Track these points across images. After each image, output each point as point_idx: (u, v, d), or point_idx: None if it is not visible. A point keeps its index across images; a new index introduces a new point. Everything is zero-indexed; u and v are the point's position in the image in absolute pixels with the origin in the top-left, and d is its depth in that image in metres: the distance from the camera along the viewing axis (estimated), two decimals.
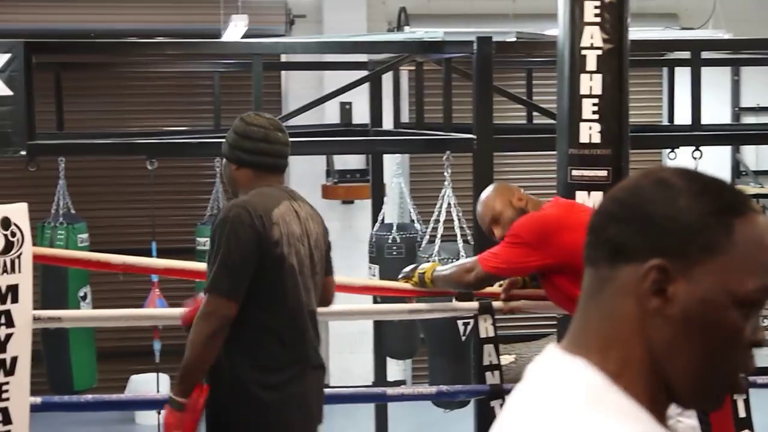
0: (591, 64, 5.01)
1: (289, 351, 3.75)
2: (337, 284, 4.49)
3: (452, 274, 4.61)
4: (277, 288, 3.73)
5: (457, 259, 6.72)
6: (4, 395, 4.06)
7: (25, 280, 4.14)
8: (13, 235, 4.11)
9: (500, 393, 4.65)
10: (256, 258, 3.67)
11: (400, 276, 4.92)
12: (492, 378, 4.68)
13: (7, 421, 4.09)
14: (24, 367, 4.14)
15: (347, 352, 9.91)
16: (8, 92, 5.78)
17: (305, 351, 3.80)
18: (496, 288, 4.79)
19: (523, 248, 4.33)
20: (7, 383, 4.07)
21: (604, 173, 5.01)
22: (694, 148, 6.66)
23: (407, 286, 4.84)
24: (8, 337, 4.08)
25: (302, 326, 3.78)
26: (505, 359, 9.61)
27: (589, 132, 5.03)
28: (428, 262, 4.80)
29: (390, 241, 7.94)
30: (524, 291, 4.78)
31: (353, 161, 9.67)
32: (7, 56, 5.80)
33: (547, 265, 4.34)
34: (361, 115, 9.14)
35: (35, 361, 4.23)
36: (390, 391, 5.12)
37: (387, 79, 8.36)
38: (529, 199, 4.58)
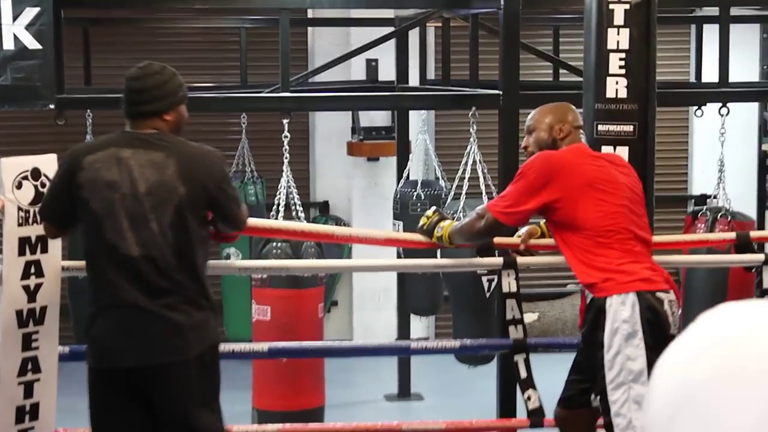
0: (618, 18, 4.99)
1: (93, 291, 3.94)
2: (361, 237, 4.53)
3: (464, 226, 4.52)
4: (84, 231, 3.94)
5: None
6: (34, 344, 4.12)
7: None
8: (43, 186, 4.15)
9: (523, 347, 4.67)
10: (61, 196, 3.94)
11: (418, 227, 4.78)
12: (515, 332, 4.69)
13: (36, 369, 4.15)
14: (53, 317, 4.19)
15: (371, 309, 9.95)
16: (37, 46, 5.81)
17: (105, 293, 3.87)
18: (515, 239, 4.76)
19: (527, 187, 4.25)
20: (36, 332, 4.13)
21: (630, 128, 5.00)
22: (721, 104, 6.64)
23: (425, 240, 4.74)
24: (38, 287, 4.13)
25: (102, 269, 3.86)
26: (529, 317, 9.66)
27: (616, 87, 5.02)
28: (445, 220, 4.69)
29: (414, 197, 7.96)
30: (543, 241, 4.74)
31: (379, 118, 9.68)
32: (36, 10, 5.82)
33: (544, 206, 4.25)
34: (387, 72, 9.14)
35: (62, 316, 4.27)
36: (414, 344, 5.14)
37: (413, 35, 8.35)
38: (569, 135, 4.43)
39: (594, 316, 4.06)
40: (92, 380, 3.92)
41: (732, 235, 5.31)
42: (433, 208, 4.85)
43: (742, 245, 5.14)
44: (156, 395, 3.85)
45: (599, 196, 4.20)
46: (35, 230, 4.11)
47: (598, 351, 4.04)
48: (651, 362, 3.92)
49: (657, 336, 3.98)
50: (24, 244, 4.09)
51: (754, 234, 5.36)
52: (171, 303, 3.82)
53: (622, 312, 3.99)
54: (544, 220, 4.60)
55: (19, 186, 4.09)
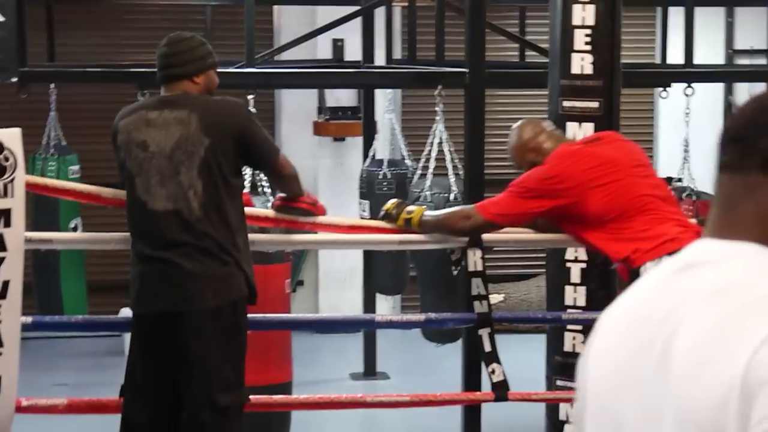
0: None
1: (132, 243, 4.23)
2: (325, 224, 4.60)
3: (445, 219, 4.59)
4: (126, 188, 4.24)
5: (449, 195, 6.75)
6: None
7: (17, 204, 4.13)
8: (6, 159, 4.10)
9: (488, 321, 4.67)
10: (117, 159, 4.27)
11: (381, 215, 4.79)
12: (480, 307, 4.69)
13: None
14: (16, 291, 4.15)
15: (336, 288, 9.94)
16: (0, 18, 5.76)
17: (137, 245, 4.18)
18: None
19: (524, 197, 4.39)
20: None
21: (595, 104, 5.02)
22: (686, 85, 6.67)
23: (390, 226, 4.75)
24: (0, 260, 4.09)
25: (135, 222, 4.19)
26: (494, 298, 9.67)
27: (581, 63, 5.04)
28: (415, 204, 4.73)
29: (381, 176, 7.96)
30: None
31: (345, 98, 9.66)
32: None
33: (546, 213, 4.38)
34: (353, 52, 9.11)
35: (25, 293, 4.23)
36: (378, 318, 5.14)
37: (380, 15, 8.33)
38: (547, 141, 4.57)
39: (632, 281, 4.13)
40: (133, 323, 4.24)
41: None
42: (397, 200, 4.89)
43: None
44: (175, 343, 4.07)
45: (601, 183, 4.30)
46: None
47: None
48: None
49: None
50: None
51: None
52: (188, 252, 4.04)
53: None
54: None
55: None
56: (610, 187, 4.29)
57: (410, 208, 4.71)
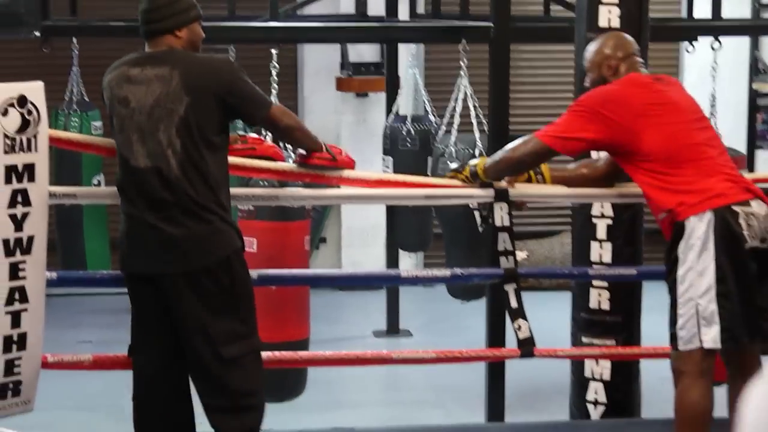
0: None
1: (120, 201, 4.13)
2: (351, 178, 4.54)
3: (505, 154, 4.46)
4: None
5: (474, 150, 6.70)
6: (21, 274, 4.07)
7: (41, 159, 4.12)
8: (29, 113, 4.08)
9: (514, 277, 4.63)
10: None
11: (447, 173, 4.72)
12: (506, 262, 4.65)
13: (24, 299, 4.10)
14: (40, 247, 4.14)
15: (359, 245, 9.93)
16: None
17: (124, 204, 4.10)
18: (503, 183, 4.70)
19: (582, 118, 4.28)
20: (23, 262, 4.07)
21: None
22: (712, 39, 6.59)
23: (451, 182, 4.65)
24: (25, 216, 4.07)
25: (123, 179, 4.07)
26: (519, 255, 9.65)
27: (608, 16, 4.97)
28: (476, 158, 4.64)
29: (404, 132, 7.91)
30: (530, 187, 4.70)
31: (367, 54, 9.60)
32: None
33: (601, 141, 4.30)
34: (376, 7, 9.04)
35: (49, 250, 4.22)
36: (404, 273, 5.10)
37: None
38: (618, 68, 4.45)
39: (675, 235, 4.13)
40: (125, 282, 4.18)
41: None
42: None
43: None
44: (168, 303, 4.01)
45: (659, 121, 4.22)
46: (22, 158, 4.05)
47: (674, 266, 4.12)
48: (721, 278, 4.03)
49: (731, 250, 4.03)
50: (10, 172, 4.02)
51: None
52: (171, 215, 3.95)
53: (698, 229, 4.05)
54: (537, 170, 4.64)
55: (5, 113, 4.01)
56: (667, 129, 4.21)
57: (473, 161, 4.65)
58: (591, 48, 4.53)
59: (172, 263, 3.97)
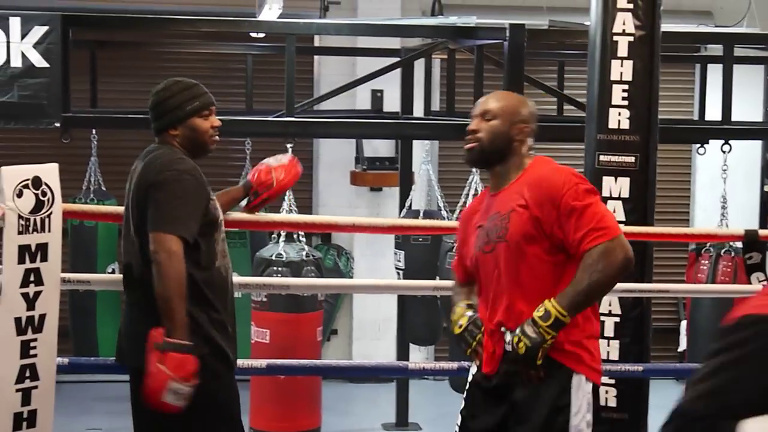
0: (622, 50, 5.04)
1: None
2: (365, 225, 4.48)
3: (598, 273, 3.49)
4: None
5: None
6: (32, 352, 4.12)
7: (54, 239, 4.19)
8: (44, 194, 4.16)
9: None
10: None
11: (509, 349, 3.60)
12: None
13: (35, 377, 4.15)
14: (51, 326, 4.19)
15: (370, 338, 9.95)
16: (45, 64, 5.86)
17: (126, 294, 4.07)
18: None
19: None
20: (35, 340, 4.13)
21: (631, 159, 5.03)
22: (723, 141, 6.68)
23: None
24: (37, 294, 4.13)
25: (123, 275, 4.07)
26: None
27: (618, 118, 5.05)
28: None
29: None
30: None
31: (382, 149, 9.71)
32: (44, 29, 5.87)
33: None
34: (392, 103, 9.18)
35: (62, 336, 4.27)
36: (411, 365, 5.15)
37: (419, 67, 8.39)
38: (527, 139, 3.80)
39: None
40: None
41: (741, 231, 5.31)
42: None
43: (750, 243, 5.20)
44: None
45: None
46: (35, 238, 4.12)
47: None
48: None
49: None
50: (24, 252, 4.10)
51: (763, 232, 5.35)
52: (135, 314, 3.97)
53: None
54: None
55: (20, 194, 4.10)
56: None
57: (537, 313, 3.50)
58: (511, 97, 3.88)
59: (119, 355, 4.09)
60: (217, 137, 4.12)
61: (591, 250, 3.48)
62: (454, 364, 5.04)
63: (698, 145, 7.23)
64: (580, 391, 3.56)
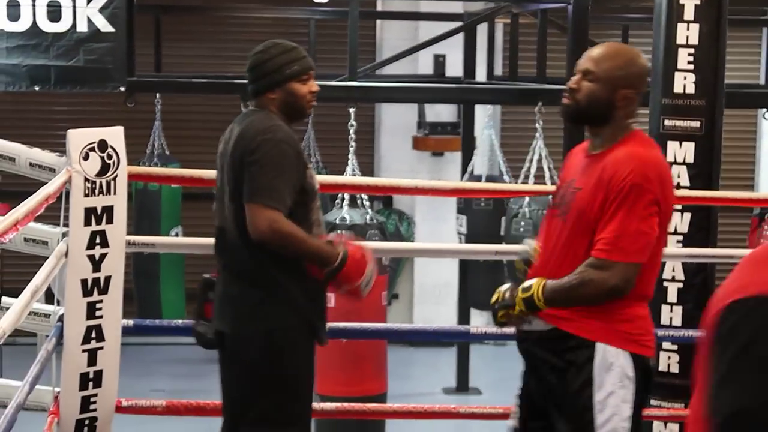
0: (689, 13, 4.97)
1: None
2: (427, 188, 4.43)
3: (580, 284, 3.34)
4: None
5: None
6: (98, 313, 4.17)
7: (120, 202, 4.22)
8: (110, 157, 4.19)
9: None
10: None
11: (496, 307, 3.61)
12: None
13: (101, 338, 4.20)
14: (117, 287, 4.24)
15: (431, 302, 9.97)
16: (110, 29, 5.91)
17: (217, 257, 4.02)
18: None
19: (647, 208, 3.29)
20: (101, 301, 4.18)
21: (696, 124, 4.98)
22: None
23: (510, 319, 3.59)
24: (103, 256, 4.18)
25: (215, 238, 3.99)
26: None
27: (684, 82, 5.00)
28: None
29: None
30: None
31: (445, 113, 9.70)
32: None
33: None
34: (454, 68, 9.15)
35: (126, 299, 4.31)
36: (473, 329, 5.16)
37: (481, 31, 8.36)
38: (631, 109, 3.46)
39: None
40: None
41: None
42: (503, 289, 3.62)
43: None
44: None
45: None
46: (101, 201, 4.16)
47: None
48: None
49: None
50: (90, 214, 4.13)
51: None
52: (226, 277, 3.92)
53: None
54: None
55: (86, 157, 4.13)
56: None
57: (525, 284, 3.47)
58: (618, 56, 3.46)
59: (224, 322, 3.94)
60: (314, 102, 3.99)
61: (595, 258, 3.31)
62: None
63: (764, 110, 7.15)
64: (605, 365, 3.40)
